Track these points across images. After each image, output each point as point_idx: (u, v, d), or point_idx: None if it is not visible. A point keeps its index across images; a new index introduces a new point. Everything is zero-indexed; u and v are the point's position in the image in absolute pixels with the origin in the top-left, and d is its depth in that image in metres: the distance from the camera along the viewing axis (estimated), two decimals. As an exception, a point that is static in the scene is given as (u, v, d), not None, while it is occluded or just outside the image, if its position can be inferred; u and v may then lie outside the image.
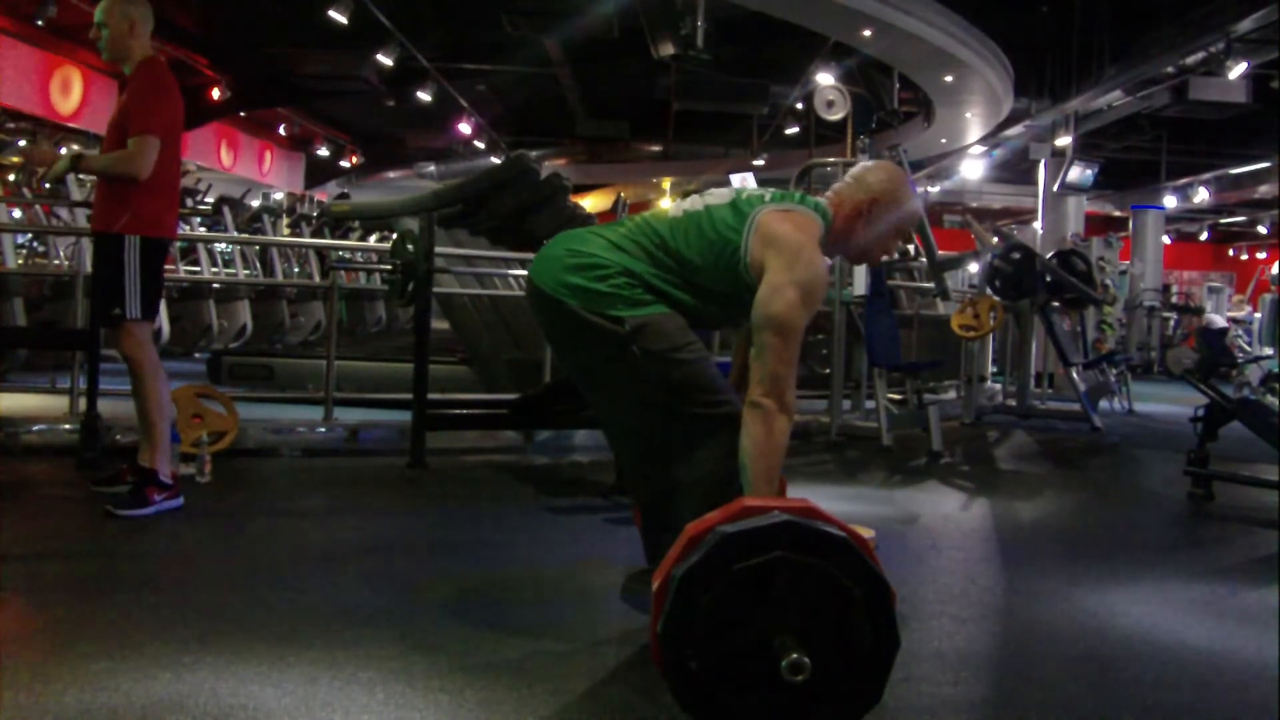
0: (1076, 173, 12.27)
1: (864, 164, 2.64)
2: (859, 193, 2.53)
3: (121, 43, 3.62)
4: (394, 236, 5.33)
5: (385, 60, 11.50)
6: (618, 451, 2.80)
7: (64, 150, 11.06)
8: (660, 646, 1.80)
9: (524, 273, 7.23)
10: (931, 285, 6.88)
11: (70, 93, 11.63)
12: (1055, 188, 12.65)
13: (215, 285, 8.63)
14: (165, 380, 3.69)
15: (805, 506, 1.86)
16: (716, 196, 2.52)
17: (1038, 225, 13.57)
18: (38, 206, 8.63)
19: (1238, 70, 9.24)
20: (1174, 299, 16.26)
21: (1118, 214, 18.66)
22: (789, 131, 14.76)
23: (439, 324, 6.27)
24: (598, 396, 2.69)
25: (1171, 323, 15.51)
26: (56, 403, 5.22)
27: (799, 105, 13.57)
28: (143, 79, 3.61)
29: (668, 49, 9.14)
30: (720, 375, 2.53)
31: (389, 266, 5.01)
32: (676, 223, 2.48)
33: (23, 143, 12.83)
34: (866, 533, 3.59)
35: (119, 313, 3.56)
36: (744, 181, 11.15)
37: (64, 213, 8.32)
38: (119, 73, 3.70)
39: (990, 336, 7.97)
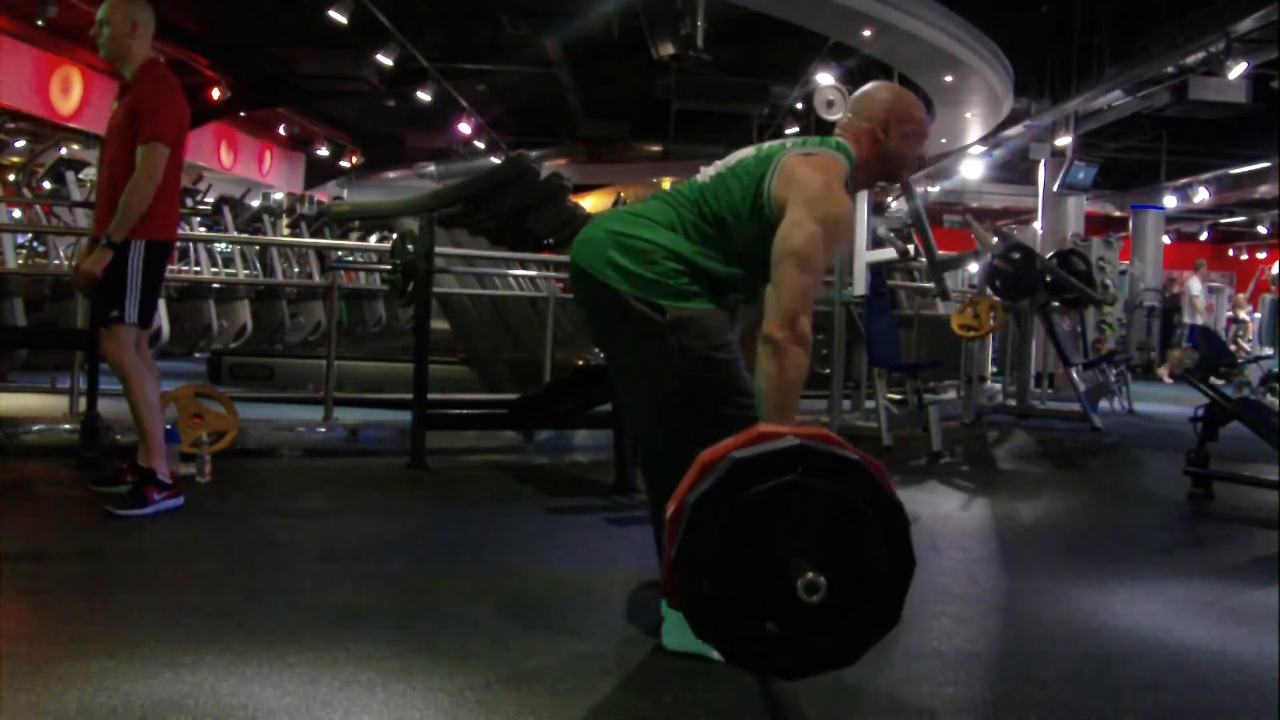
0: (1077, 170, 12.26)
1: (860, 91, 2.57)
2: (867, 120, 2.48)
3: (122, 43, 3.60)
4: (394, 236, 5.33)
5: (385, 60, 11.49)
6: (638, 440, 2.75)
7: (63, 151, 11.06)
8: (674, 573, 1.77)
9: (524, 273, 7.27)
10: (931, 285, 6.88)
11: (70, 93, 11.63)
12: (1055, 188, 12.65)
13: (215, 285, 8.64)
14: (152, 381, 3.67)
15: (821, 433, 1.85)
16: (740, 154, 2.49)
17: (1038, 225, 13.57)
18: (38, 206, 8.64)
19: (1238, 70, 9.24)
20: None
21: (1118, 214, 18.66)
22: (789, 131, 14.76)
23: (439, 324, 6.27)
24: (624, 381, 2.63)
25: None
26: (56, 403, 5.21)
27: (799, 105, 13.57)
28: (148, 82, 3.60)
29: (668, 49, 9.15)
30: (751, 379, 2.49)
31: (389, 266, 5.01)
32: (708, 186, 2.44)
33: (21, 143, 12.83)
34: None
35: (116, 315, 3.55)
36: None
37: (64, 213, 8.33)
38: (120, 73, 3.69)
39: (990, 336, 7.97)
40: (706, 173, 2.50)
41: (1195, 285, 15.19)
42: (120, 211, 3.49)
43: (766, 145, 2.47)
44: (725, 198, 2.39)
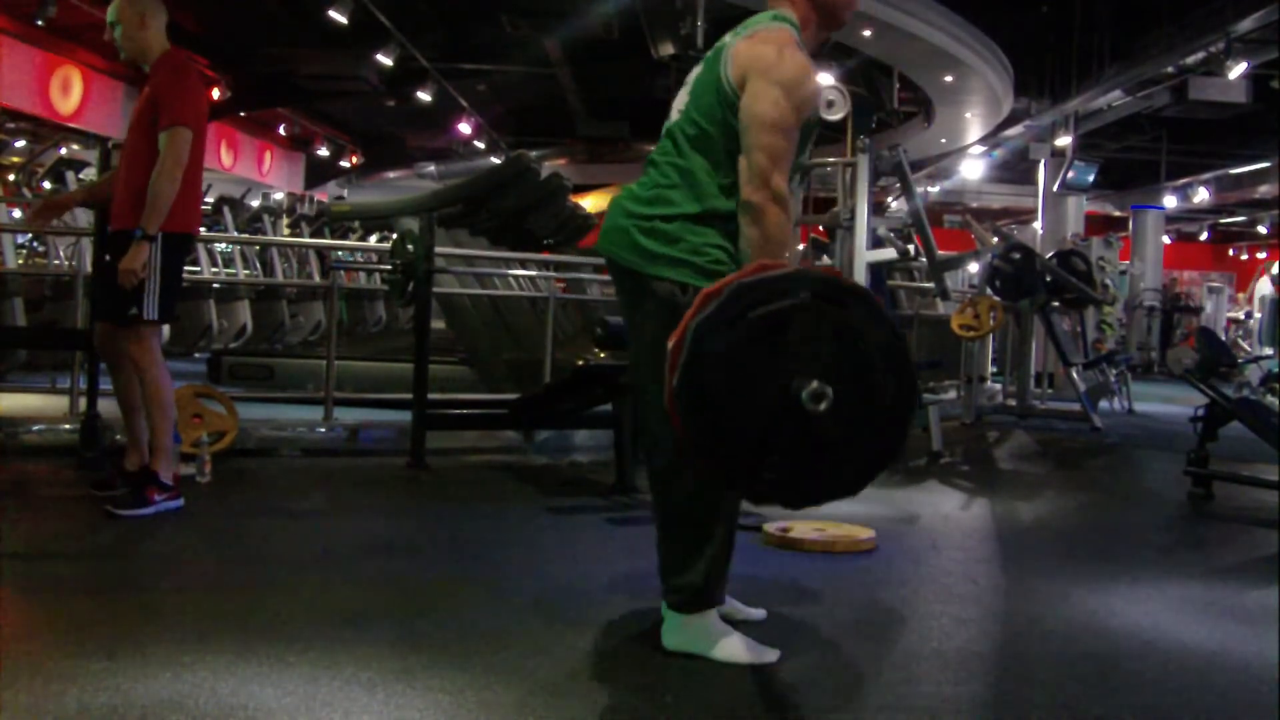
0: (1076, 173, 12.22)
1: None
2: None
3: (136, 38, 3.58)
4: (394, 236, 5.33)
5: (385, 60, 11.49)
6: (644, 421, 2.69)
7: (64, 151, 11.05)
8: (677, 401, 1.74)
9: (524, 273, 7.26)
10: (931, 285, 6.88)
11: (70, 93, 11.61)
12: (1055, 188, 12.65)
13: (215, 285, 8.63)
14: (170, 382, 3.67)
15: (822, 265, 1.85)
16: (691, 74, 2.48)
17: (1038, 225, 13.57)
18: (38, 206, 8.62)
19: (1238, 70, 9.25)
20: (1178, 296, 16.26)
21: (1118, 214, 18.66)
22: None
23: (439, 324, 6.27)
24: (639, 361, 2.52)
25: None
26: (56, 403, 5.22)
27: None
28: (165, 72, 3.58)
29: (668, 49, 9.14)
30: None
31: (389, 266, 5.01)
32: (685, 116, 2.42)
33: (21, 143, 12.82)
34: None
35: (135, 313, 3.50)
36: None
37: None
38: (121, 72, 3.71)
39: (990, 336, 7.97)
40: (675, 108, 2.48)
41: (1265, 285, 14.97)
42: (150, 201, 3.44)
43: (710, 52, 2.46)
44: (700, 111, 2.38)
